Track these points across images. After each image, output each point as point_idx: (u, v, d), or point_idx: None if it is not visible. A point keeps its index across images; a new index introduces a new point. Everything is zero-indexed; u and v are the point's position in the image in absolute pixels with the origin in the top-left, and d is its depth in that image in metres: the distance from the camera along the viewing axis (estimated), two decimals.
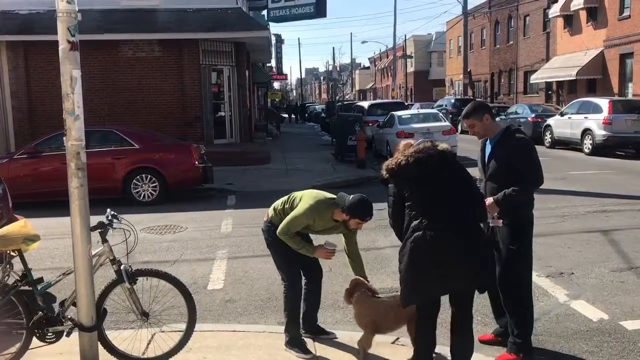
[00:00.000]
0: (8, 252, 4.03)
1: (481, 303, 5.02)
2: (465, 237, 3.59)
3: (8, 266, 4.03)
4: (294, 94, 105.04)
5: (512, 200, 4.10)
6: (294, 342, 4.43)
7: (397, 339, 4.55)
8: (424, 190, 3.63)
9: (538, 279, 6.01)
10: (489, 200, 4.10)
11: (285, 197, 4.51)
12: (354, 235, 4.49)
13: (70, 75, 3.69)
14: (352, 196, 4.23)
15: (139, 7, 17.66)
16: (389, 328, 4.24)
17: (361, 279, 4.37)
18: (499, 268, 4.26)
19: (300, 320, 4.61)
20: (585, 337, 4.74)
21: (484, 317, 5.09)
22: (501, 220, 4.16)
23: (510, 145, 4.18)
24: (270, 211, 4.55)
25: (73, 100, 3.71)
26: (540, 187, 4.21)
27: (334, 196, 4.35)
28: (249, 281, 6.41)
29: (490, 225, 4.23)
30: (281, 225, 4.30)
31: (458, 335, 3.85)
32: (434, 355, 3.95)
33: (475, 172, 4.40)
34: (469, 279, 3.68)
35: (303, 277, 4.61)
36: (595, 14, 27.72)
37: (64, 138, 3.76)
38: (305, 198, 4.35)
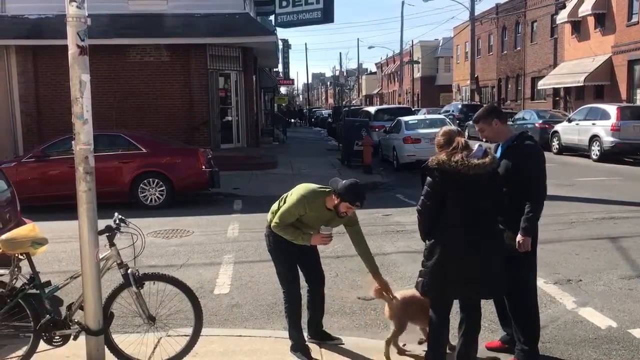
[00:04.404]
0: (16, 255, 4.04)
1: (488, 309, 4.99)
2: (490, 249, 3.77)
3: (16, 269, 4.05)
4: (301, 99, 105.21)
5: (532, 221, 4.06)
6: (297, 348, 4.43)
7: (404, 345, 4.53)
8: (466, 197, 3.71)
9: (545, 286, 5.98)
10: (520, 237, 4.03)
11: (280, 199, 4.48)
12: (355, 225, 4.42)
13: (80, 79, 3.71)
14: (345, 180, 4.19)
15: (147, 12, 17.75)
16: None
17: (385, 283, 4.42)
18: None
19: (306, 326, 4.60)
20: (593, 344, 4.71)
21: (491, 324, 5.06)
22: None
23: (520, 153, 4.16)
24: (269, 216, 4.51)
25: (82, 104, 3.74)
26: (548, 194, 4.21)
27: (326, 188, 4.31)
28: (255, 286, 6.41)
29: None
30: (274, 219, 4.30)
31: (463, 341, 3.92)
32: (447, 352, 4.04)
33: None
34: (486, 288, 3.87)
35: (306, 284, 4.61)
36: (603, 20, 27.64)
37: (73, 142, 3.78)
38: (296, 190, 4.35)
